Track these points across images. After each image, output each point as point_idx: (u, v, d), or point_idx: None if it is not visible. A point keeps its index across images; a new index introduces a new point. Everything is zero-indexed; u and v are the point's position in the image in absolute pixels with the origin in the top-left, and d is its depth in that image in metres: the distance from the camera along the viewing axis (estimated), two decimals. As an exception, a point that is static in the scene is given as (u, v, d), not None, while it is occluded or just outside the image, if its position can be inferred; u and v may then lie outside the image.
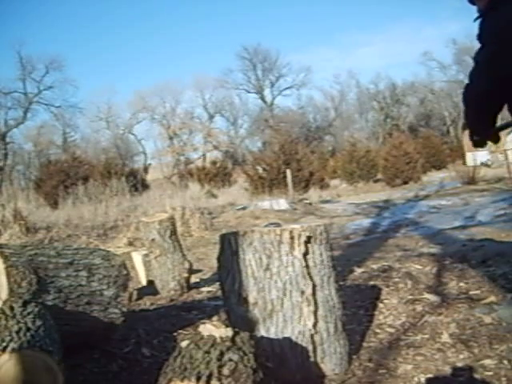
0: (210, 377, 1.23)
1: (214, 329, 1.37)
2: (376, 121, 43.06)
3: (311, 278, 1.95)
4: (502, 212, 7.15)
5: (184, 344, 1.36)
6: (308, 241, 1.96)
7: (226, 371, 1.25)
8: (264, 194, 14.64)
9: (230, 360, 1.29)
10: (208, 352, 1.30)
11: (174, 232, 3.98)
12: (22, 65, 35.70)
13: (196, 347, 1.32)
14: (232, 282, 2.06)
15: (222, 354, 1.30)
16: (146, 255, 4.11)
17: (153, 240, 3.88)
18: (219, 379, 1.23)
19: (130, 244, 6.72)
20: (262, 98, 42.44)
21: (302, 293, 1.95)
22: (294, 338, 1.92)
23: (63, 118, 38.09)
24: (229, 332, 1.37)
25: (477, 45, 1.91)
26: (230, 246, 2.06)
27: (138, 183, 17.04)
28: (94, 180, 13.62)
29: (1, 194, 11.58)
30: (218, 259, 2.13)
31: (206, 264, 5.28)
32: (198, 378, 1.22)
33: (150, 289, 3.94)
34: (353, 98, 43.99)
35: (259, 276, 1.99)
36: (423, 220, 7.41)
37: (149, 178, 26.74)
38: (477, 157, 19.08)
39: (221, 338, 1.35)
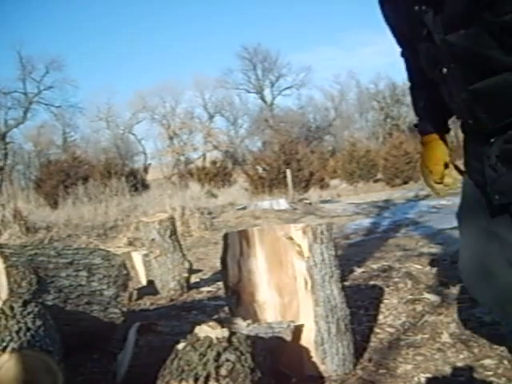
0: (207, 378, 1.23)
1: (209, 330, 1.37)
2: (376, 121, 43.04)
3: (311, 278, 1.95)
4: (502, 212, 7.14)
5: (180, 346, 1.36)
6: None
7: (223, 372, 1.25)
8: (264, 194, 14.64)
9: (227, 360, 1.29)
10: (205, 353, 1.30)
11: (173, 232, 3.98)
12: (22, 65, 35.67)
13: (192, 349, 1.32)
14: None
15: (218, 354, 1.30)
16: (146, 255, 4.11)
17: (153, 240, 3.88)
18: (217, 380, 1.23)
19: (130, 244, 6.72)
20: (262, 98, 42.44)
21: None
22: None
23: (63, 118, 38.08)
24: (225, 332, 1.37)
25: None
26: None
27: (138, 183, 17.04)
28: (94, 180, 13.62)
29: (1, 193, 11.58)
30: (222, 259, 2.13)
31: (206, 264, 5.28)
32: (196, 380, 1.22)
33: (150, 289, 3.94)
34: (353, 97, 43.99)
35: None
36: (423, 220, 7.41)
37: (149, 177, 26.72)
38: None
39: (217, 338, 1.34)
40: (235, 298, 2.07)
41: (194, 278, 4.28)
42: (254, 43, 48.09)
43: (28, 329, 1.62)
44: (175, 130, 40.07)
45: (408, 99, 42.78)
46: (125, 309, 2.48)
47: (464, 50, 1.24)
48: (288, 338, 1.84)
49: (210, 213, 9.59)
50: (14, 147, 36.32)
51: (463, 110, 1.38)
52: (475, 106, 1.32)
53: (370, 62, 64.01)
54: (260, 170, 17.78)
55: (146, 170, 32.80)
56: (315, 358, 1.95)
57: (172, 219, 4.11)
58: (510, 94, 1.23)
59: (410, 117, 42.87)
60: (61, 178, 16.57)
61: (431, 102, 1.60)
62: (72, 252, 2.41)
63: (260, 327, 1.84)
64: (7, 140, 35.23)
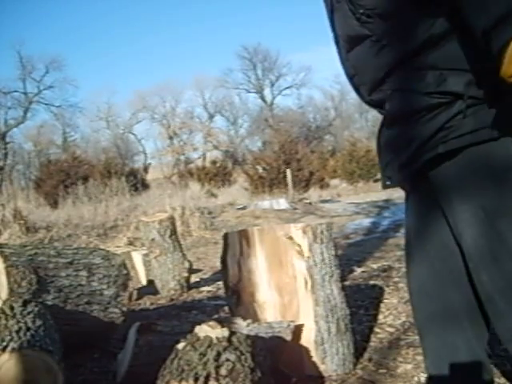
0: (207, 377, 1.23)
1: (209, 329, 1.37)
2: (376, 120, 42.90)
3: (311, 278, 1.96)
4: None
5: (180, 346, 1.36)
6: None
7: (223, 371, 1.26)
8: (264, 194, 14.64)
9: (227, 360, 1.29)
10: (205, 353, 1.30)
11: (173, 232, 3.99)
12: (22, 64, 35.60)
13: (192, 349, 1.33)
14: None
15: (218, 354, 1.30)
16: (146, 255, 4.12)
17: (153, 240, 3.88)
18: (217, 379, 1.23)
19: (130, 244, 6.72)
20: (262, 98, 42.41)
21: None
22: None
23: (63, 118, 38.03)
24: (225, 332, 1.37)
25: None
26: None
27: (138, 183, 17.03)
28: (94, 180, 13.61)
29: (1, 193, 11.58)
30: (222, 258, 2.13)
31: (206, 263, 5.29)
32: (196, 379, 1.23)
33: (150, 288, 3.94)
34: (353, 97, 43.88)
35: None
36: (423, 220, 7.40)
37: (149, 177, 26.70)
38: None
39: (217, 338, 1.35)
40: (235, 298, 2.07)
41: (193, 278, 4.28)
42: (254, 43, 48.15)
43: (28, 328, 1.62)
44: (175, 129, 40.06)
45: (408, 99, 42.82)
46: (125, 308, 2.48)
47: (336, 21, 1.35)
48: (288, 337, 1.85)
49: (210, 213, 9.59)
50: (14, 147, 36.30)
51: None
52: (354, 77, 1.38)
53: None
54: (260, 169, 17.78)
55: (146, 169, 32.78)
56: (315, 358, 1.95)
57: (172, 219, 4.11)
58: (370, 60, 1.26)
59: (410, 117, 42.84)
60: (61, 177, 16.58)
61: None
62: (72, 252, 2.41)
63: (260, 327, 1.84)
64: (7, 140, 35.20)
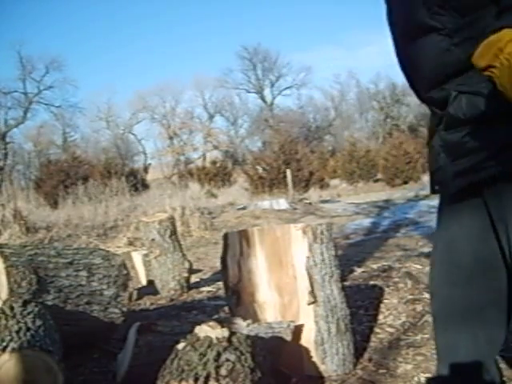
0: (207, 378, 1.24)
1: (209, 330, 1.37)
2: (376, 121, 43.01)
3: (310, 278, 1.96)
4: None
5: (180, 346, 1.36)
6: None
7: (223, 371, 1.26)
8: (264, 194, 14.66)
9: (227, 360, 1.29)
10: (205, 353, 1.30)
11: (173, 232, 3.99)
12: (22, 65, 35.61)
13: (192, 349, 1.33)
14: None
15: (218, 354, 1.30)
16: (146, 255, 4.12)
17: (153, 240, 3.88)
18: (217, 379, 1.24)
19: (130, 244, 6.72)
20: (262, 98, 42.41)
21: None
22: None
23: (63, 118, 38.02)
24: (225, 332, 1.37)
25: None
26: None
27: (138, 183, 17.03)
28: (94, 180, 13.61)
29: (1, 193, 11.56)
30: (222, 259, 2.13)
31: (206, 264, 5.28)
32: (196, 380, 1.23)
33: (150, 289, 3.94)
34: (353, 97, 43.94)
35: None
36: (423, 220, 7.41)
37: (149, 177, 26.70)
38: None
39: (217, 338, 1.35)
40: (235, 298, 2.07)
41: (194, 278, 4.28)
42: (253, 43, 48.09)
43: (28, 329, 1.62)
44: (175, 129, 40.05)
45: (408, 99, 42.88)
46: (125, 309, 2.48)
47: (400, 16, 1.26)
48: (288, 337, 1.85)
49: (210, 213, 9.59)
50: (14, 147, 36.30)
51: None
52: (412, 71, 1.28)
53: (370, 62, 63.96)
54: (260, 169, 17.78)
55: (146, 169, 32.79)
56: (315, 358, 1.95)
57: (172, 219, 4.11)
58: (435, 55, 1.18)
59: (410, 117, 42.92)
60: (61, 177, 16.58)
61: None
62: (72, 252, 2.41)
63: (260, 327, 1.84)
64: (7, 140, 35.20)
